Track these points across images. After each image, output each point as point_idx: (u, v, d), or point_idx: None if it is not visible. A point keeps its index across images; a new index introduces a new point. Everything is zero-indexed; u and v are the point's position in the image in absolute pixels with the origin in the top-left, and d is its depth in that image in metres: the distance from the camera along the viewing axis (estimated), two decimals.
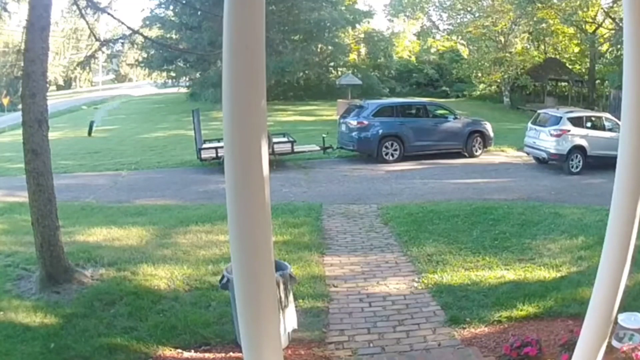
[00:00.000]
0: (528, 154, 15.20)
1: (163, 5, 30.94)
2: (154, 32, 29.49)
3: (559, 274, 6.55)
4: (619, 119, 2.79)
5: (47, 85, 6.43)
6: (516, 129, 18.85)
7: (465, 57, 33.38)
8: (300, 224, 8.81)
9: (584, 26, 29.66)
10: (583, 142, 13.66)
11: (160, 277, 6.53)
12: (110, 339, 5.04)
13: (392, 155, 15.24)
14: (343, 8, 32.15)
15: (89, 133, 22.14)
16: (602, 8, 28.18)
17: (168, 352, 4.87)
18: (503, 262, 6.97)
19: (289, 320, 4.90)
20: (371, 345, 5.02)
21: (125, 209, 10.08)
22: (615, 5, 26.20)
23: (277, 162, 14.71)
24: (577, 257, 7.07)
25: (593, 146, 13.56)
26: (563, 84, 33.18)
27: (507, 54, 28.18)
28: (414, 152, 15.19)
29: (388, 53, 35.71)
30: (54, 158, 6.50)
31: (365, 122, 15.25)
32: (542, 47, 34.67)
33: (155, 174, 14.35)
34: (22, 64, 6.31)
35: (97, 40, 8.63)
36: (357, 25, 34.03)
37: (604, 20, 28.86)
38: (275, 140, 14.82)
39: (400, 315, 5.60)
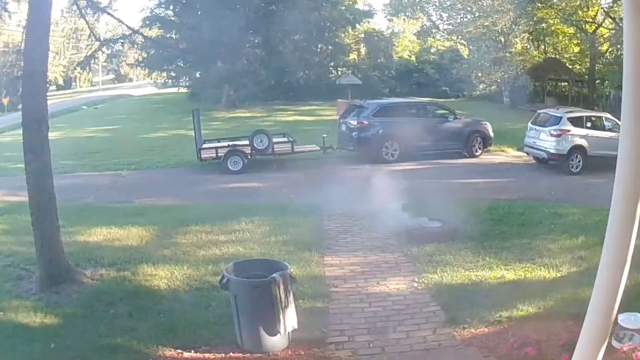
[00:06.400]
0: (528, 154, 15.18)
1: (163, 5, 30.91)
2: (154, 32, 29.42)
3: (559, 274, 6.55)
4: (619, 119, 2.79)
5: (47, 85, 6.43)
6: (516, 129, 18.82)
7: (465, 57, 33.34)
8: (300, 224, 8.80)
9: (584, 26, 29.63)
10: (583, 142, 13.65)
11: (160, 277, 6.53)
12: (111, 339, 5.05)
13: (392, 155, 15.23)
14: (343, 8, 32.12)
15: None
16: (602, 8, 28.16)
17: (168, 352, 4.87)
18: (503, 262, 6.97)
19: (289, 320, 4.90)
20: (371, 345, 5.02)
21: (125, 209, 10.08)
22: (615, 5, 26.17)
23: (277, 162, 14.71)
24: (577, 257, 7.07)
25: (593, 146, 13.54)
26: (563, 84, 33.15)
27: (507, 54, 28.12)
28: (414, 152, 15.15)
29: (388, 53, 35.66)
30: (54, 158, 6.50)
31: (365, 122, 15.23)
32: (542, 47, 34.62)
33: (155, 174, 14.35)
34: (22, 64, 6.32)
35: (97, 40, 8.65)
36: (357, 25, 33.99)
37: (604, 20, 28.83)
38: (275, 140, 14.81)
39: (400, 315, 5.60)
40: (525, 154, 15.60)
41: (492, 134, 16.48)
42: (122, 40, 10.70)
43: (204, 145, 14.71)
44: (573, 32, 31.57)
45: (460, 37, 33.60)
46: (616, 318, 3.52)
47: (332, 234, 8.48)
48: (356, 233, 8.51)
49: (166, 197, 11.51)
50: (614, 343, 4.19)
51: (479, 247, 7.60)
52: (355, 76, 28.99)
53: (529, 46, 33.79)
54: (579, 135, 13.66)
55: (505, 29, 28.35)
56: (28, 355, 4.78)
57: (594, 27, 29.36)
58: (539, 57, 32.38)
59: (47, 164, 6.23)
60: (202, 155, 14.27)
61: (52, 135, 6.56)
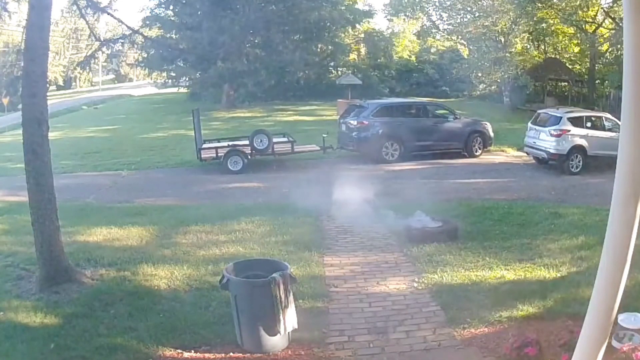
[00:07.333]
0: (528, 154, 15.18)
1: (163, 5, 30.91)
2: (154, 32, 29.41)
3: (559, 274, 6.55)
4: (619, 119, 2.79)
5: (47, 85, 6.43)
6: (516, 129, 18.84)
7: (465, 57, 33.30)
8: (300, 224, 8.81)
9: (584, 26, 29.61)
10: (583, 142, 13.65)
11: (160, 277, 6.53)
12: (110, 339, 5.05)
13: (392, 155, 15.23)
14: (343, 8, 32.09)
15: None
16: (602, 8, 28.14)
17: (168, 352, 4.87)
18: (503, 262, 6.97)
19: (289, 320, 4.90)
20: (371, 345, 5.02)
21: (125, 209, 10.08)
22: (615, 5, 26.16)
23: (277, 162, 14.71)
24: (577, 257, 7.07)
25: (593, 146, 13.55)
26: (563, 84, 33.13)
27: (507, 54, 28.09)
28: (414, 152, 15.17)
29: (388, 53, 35.65)
30: (54, 158, 6.51)
31: (365, 122, 15.23)
32: (542, 47, 34.59)
33: (155, 174, 14.35)
34: (22, 64, 6.31)
35: (97, 40, 8.64)
36: (357, 25, 33.97)
37: (604, 20, 28.82)
38: (275, 140, 14.81)
39: (400, 315, 5.60)
40: (525, 154, 15.60)
41: (492, 134, 16.49)
42: (122, 40, 10.66)
43: (204, 145, 14.71)
44: (573, 32, 31.53)
45: (460, 37, 33.53)
46: (616, 318, 3.52)
47: (332, 234, 8.47)
48: (356, 233, 8.50)
49: (166, 197, 11.51)
50: (614, 343, 4.19)
51: (479, 247, 7.60)
52: (355, 76, 28.99)
53: (529, 46, 33.77)
54: (579, 135, 13.66)
55: (505, 29, 28.32)
56: (28, 355, 4.78)
57: (594, 27, 29.33)
58: (539, 57, 32.34)
59: (47, 164, 6.23)
60: (202, 155, 14.28)
61: (52, 135, 6.56)
